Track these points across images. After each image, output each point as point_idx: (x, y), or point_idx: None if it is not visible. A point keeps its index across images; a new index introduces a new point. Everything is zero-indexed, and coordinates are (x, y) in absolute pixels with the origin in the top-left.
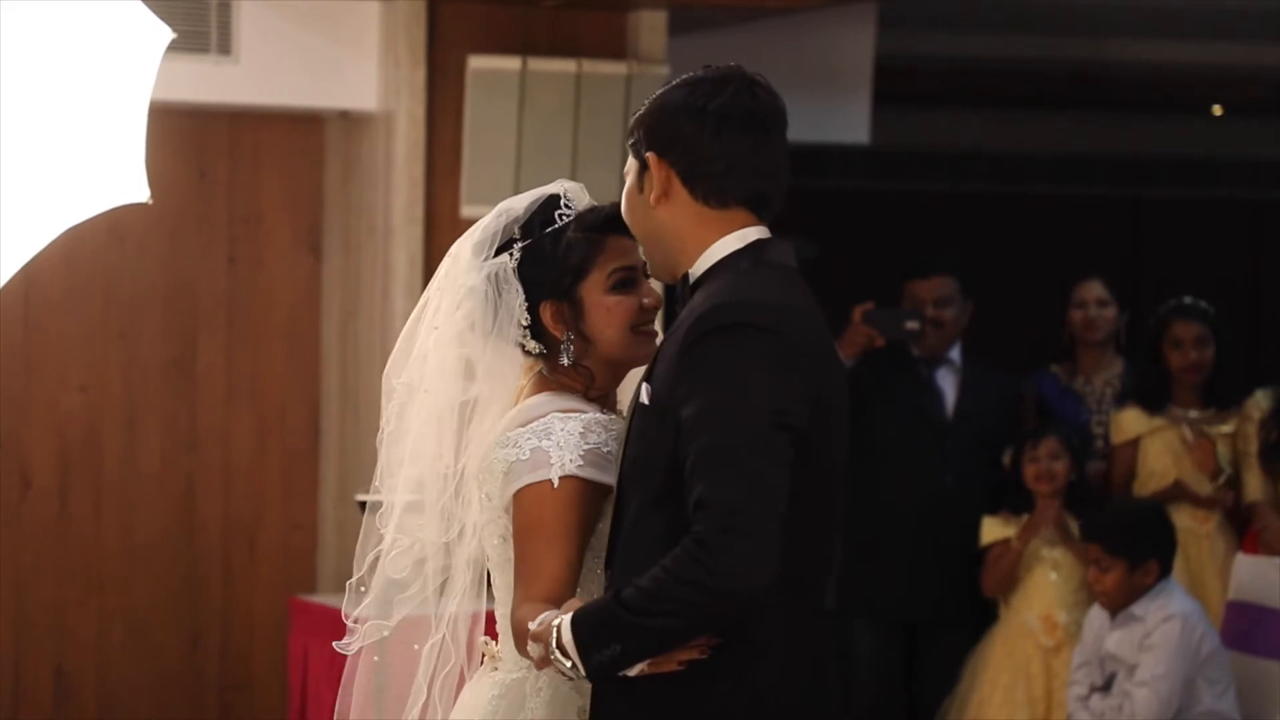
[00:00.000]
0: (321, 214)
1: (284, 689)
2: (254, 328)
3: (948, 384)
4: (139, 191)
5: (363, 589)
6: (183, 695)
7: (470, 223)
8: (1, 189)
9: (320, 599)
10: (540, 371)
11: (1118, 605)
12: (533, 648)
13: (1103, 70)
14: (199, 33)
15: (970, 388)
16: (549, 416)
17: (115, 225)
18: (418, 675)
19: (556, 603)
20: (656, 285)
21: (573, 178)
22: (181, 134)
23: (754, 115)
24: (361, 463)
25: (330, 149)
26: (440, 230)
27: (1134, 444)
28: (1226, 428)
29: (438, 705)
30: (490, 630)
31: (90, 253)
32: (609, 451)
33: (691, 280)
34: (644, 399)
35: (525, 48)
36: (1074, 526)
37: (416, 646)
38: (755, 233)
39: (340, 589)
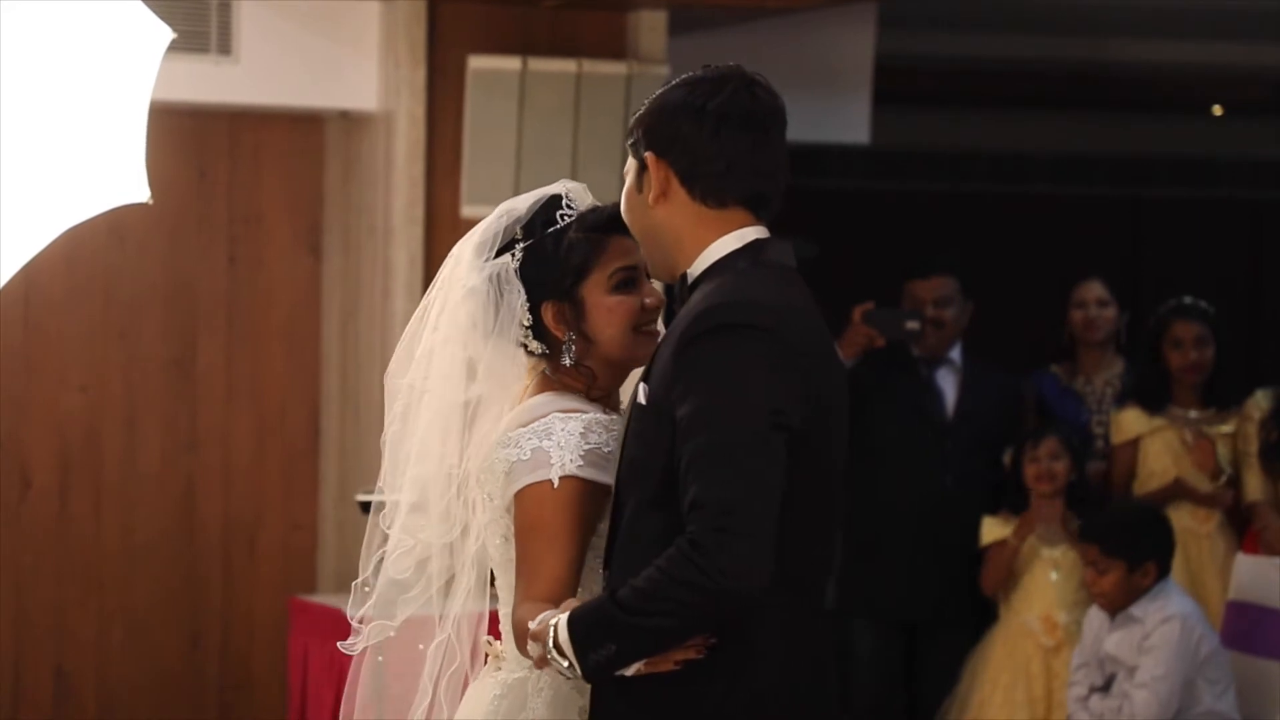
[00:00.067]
0: (321, 214)
1: (284, 689)
2: (254, 328)
3: (948, 384)
4: (139, 191)
5: (367, 589)
6: (183, 695)
7: (470, 223)
8: (2, 189)
9: (320, 599)
10: (543, 371)
11: (1116, 606)
12: (532, 647)
13: (1103, 70)
14: (199, 33)
15: (970, 388)
16: (550, 417)
17: (115, 225)
18: (423, 675)
19: (557, 602)
20: (659, 285)
21: (573, 178)
22: (182, 134)
23: (753, 115)
24: (361, 463)
25: (330, 149)
26: (440, 230)
27: (1134, 444)
28: (1226, 428)
29: (443, 705)
30: (494, 630)
31: (90, 253)
32: (610, 451)
33: (690, 280)
34: (641, 399)
35: (525, 48)
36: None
37: (421, 646)
38: (754, 233)
39: (340, 589)
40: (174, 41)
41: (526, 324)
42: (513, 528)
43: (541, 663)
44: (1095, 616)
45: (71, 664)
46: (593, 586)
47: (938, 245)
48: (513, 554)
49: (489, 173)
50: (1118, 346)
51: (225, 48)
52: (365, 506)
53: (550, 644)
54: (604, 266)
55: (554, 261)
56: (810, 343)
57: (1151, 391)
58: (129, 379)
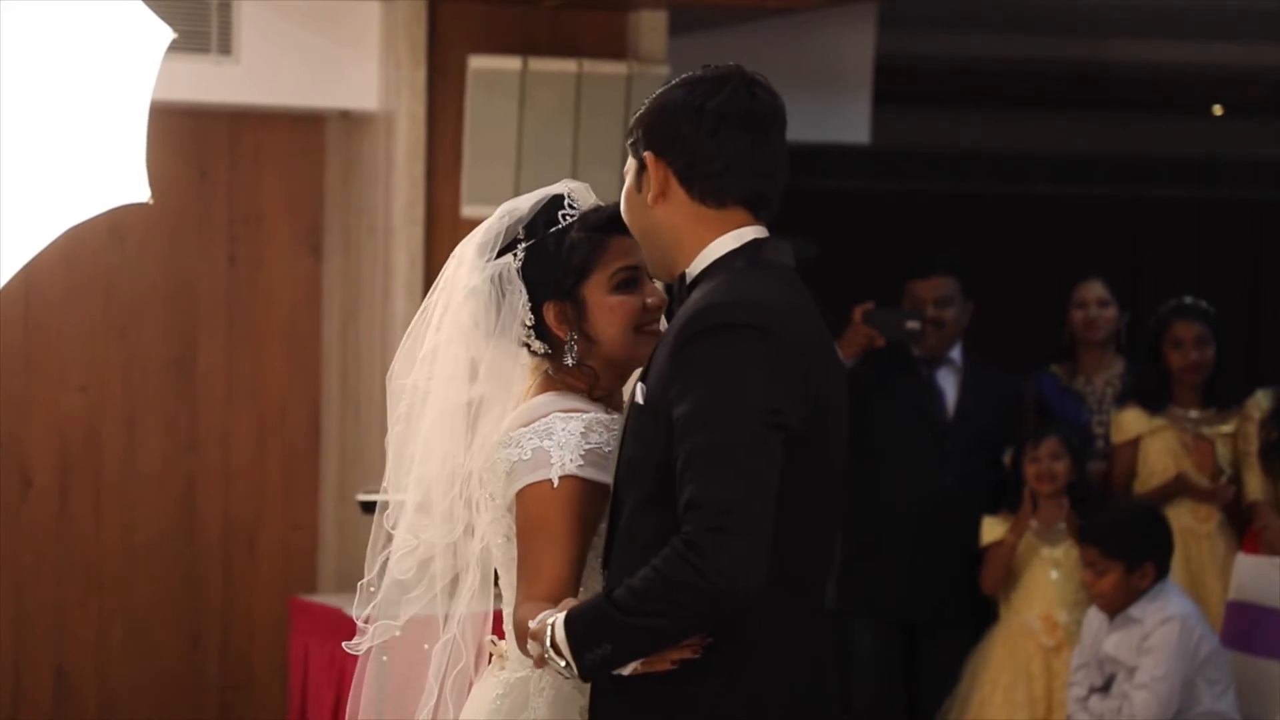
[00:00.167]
0: (322, 214)
1: (284, 689)
2: (254, 328)
3: (948, 384)
4: (139, 191)
5: (372, 589)
6: (183, 695)
7: (470, 223)
8: (2, 189)
9: (321, 599)
10: (546, 371)
11: (1115, 608)
12: (532, 646)
13: (1103, 70)
14: (200, 33)
15: (971, 388)
16: (550, 416)
17: (116, 225)
18: (428, 675)
19: (558, 601)
20: (661, 284)
21: (573, 178)
22: (182, 134)
23: (752, 115)
24: (362, 463)
25: (331, 149)
26: (440, 230)
27: (1134, 444)
28: (1227, 428)
29: (449, 705)
30: (498, 630)
31: (91, 252)
32: (611, 451)
33: (688, 280)
34: (638, 398)
35: (526, 48)
36: None
37: (427, 646)
38: (752, 232)
39: (340, 589)
40: (174, 41)
41: (529, 324)
42: (514, 527)
43: (541, 662)
44: (1094, 617)
45: (71, 664)
46: (594, 586)
47: (938, 245)
48: (515, 553)
49: (489, 173)
50: (1118, 346)
51: (226, 48)
52: (366, 506)
53: (547, 643)
54: (605, 266)
55: (555, 261)
56: (809, 342)
57: (1152, 391)
58: (129, 379)
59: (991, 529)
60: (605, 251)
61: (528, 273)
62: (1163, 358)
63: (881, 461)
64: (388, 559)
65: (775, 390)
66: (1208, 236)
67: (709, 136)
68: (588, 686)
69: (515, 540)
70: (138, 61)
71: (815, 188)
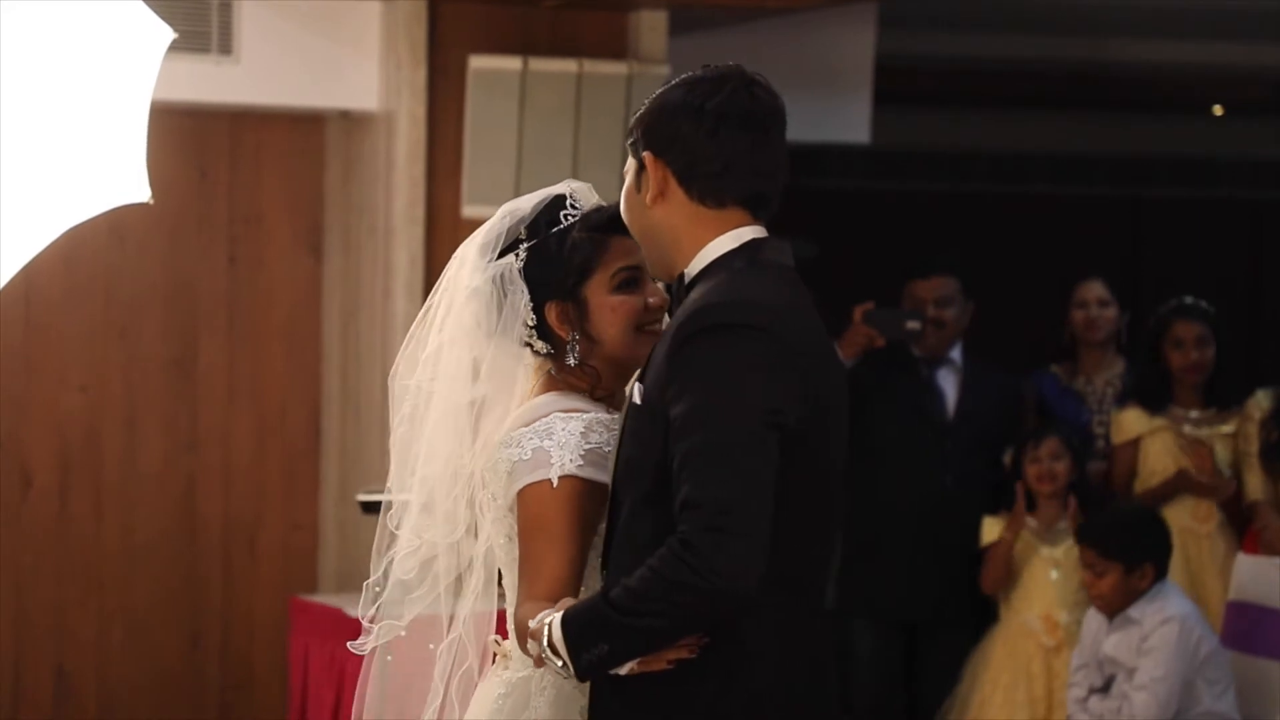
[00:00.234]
0: (322, 214)
1: (284, 689)
2: (254, 328)
3: (949, 384)
4: (140, 191)
5: (378, 589)
6: (183, 695)
7: (471, 223)
8: (2, 189)
9: (321, 599)
10: (548, 371)
11: (1113, 609)
12: (532, 646)
13: (1103, 70)
14: (200, 33)
15: (971, 388)
16: (551, 416)
17: (116, 225)
18: (434, 675)
19: (558, 601)
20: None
21: (574, 178)
22: (182, 134)
23: (752, 115)
24: (362, 462)
25: (331, 149)
26: (441, 230)
27: (1135, 444)
28: (1227, 428)
29: (454, 705)
30: (502, 629)
31: (91, 252)
32: (611, 451)
33: (687, 280)
34: (636, 399)
35: (526, 48)
36: None
37: (432, 646)
38: (751, 232)
39: (341, 589)
40: (175, 41)
41: (531, 324)
42: (515, 527)
43: (540, 662)
44: (1094, 618)
45: (71, 664)
46: (595, 586)
47: (938, 245)
48: (517, 553)
49: (490, 173)
50: (1118, 346)
51: (226, 48)
52: (366, 506)
53: (545, 643)
54: (607, 266)
55: (557, 261)
56: (807, 342)
57: (1152, 391)
58: (129, 379)
59: (992, 529)
60: (607, 251)
61: (529, 273)
62: (1163, 358)
63: (882, 461)
64: (393, 559)
65: (773, 390)
66: (1208, 236)
67: (708, 137)
68: (589, 686)
69: (516, 540)
70: (138, 61)
71: (815, 188)
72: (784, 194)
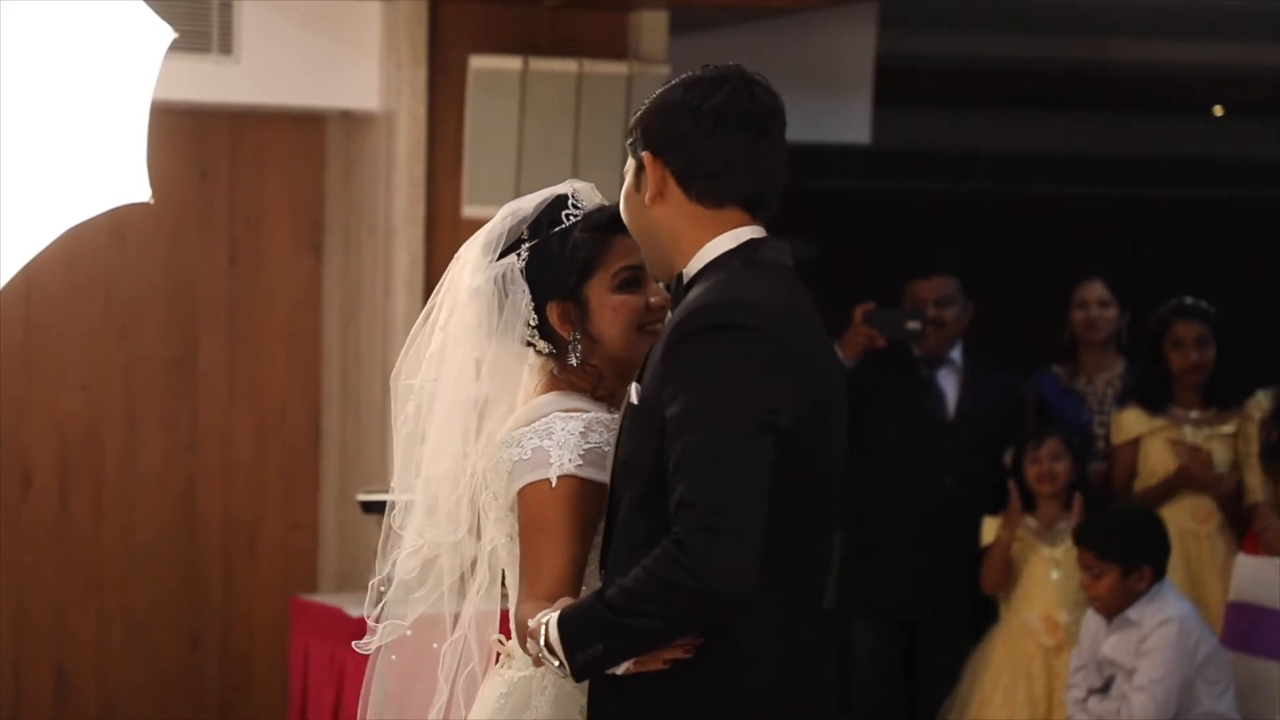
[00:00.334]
0: (322, 214)
1: (284, 689)
2: (255, 327)
3: (949, 384)
4: (140, 191)
5: (383, 589)
6: (183, 695)
7: (471, 223)
8: (2, 188)
9: (321, 599)
10: (551, 371)
11: (1112, 610)
12: (531, 645)
13: (1103, 70)
14: (200, 32)
15: (971, 388)
16: (551, 416)
17: (116, 225)
18: (438, 674)
19: (558, 600)
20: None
21: (574, 178)
22: (183, 133)
23: (751, 115)
24: (362, 462)
25: (331, 149)
26: (441, 230)
27: (1135, 444)
28: (1227, 428)
29: (461, 704)
30: (505, 629)
31: (91, 252)
32: (611, 451)
33: (685, 280)
34: (633, 399)
35: (526, 48)
36: None
37: (436, 645)
38: (749, 232)
39: (341, 589)
40: (175, 41)
41: (532, 324)
42: (516, 526)
43: (539, 661)
44: (1092, 619)
45: (71, 664)
46: (596, 585)
47: (938, 245)
48: (518, 552)
49: (490, 173)
50: (1119, 347)
51: (226, 47)
52: (366, 506)
53: (542, 643)
54: (608, 266)
55: (559, 261)
56: (805, 342)
57: (1152, 392)
58: (129, 379)
59: (991, 529)
60: (608, 251)
61: (531, 273)
62: (1163, 358)
63: (882, 461)
64: (397, 559)
65: (768, 390)
66: (1208, 236)
67: (707, 137)
68: (588, 686)
69: (517, 539)
70: (138, 61)
71: (815, 188)
72: (784, 194)
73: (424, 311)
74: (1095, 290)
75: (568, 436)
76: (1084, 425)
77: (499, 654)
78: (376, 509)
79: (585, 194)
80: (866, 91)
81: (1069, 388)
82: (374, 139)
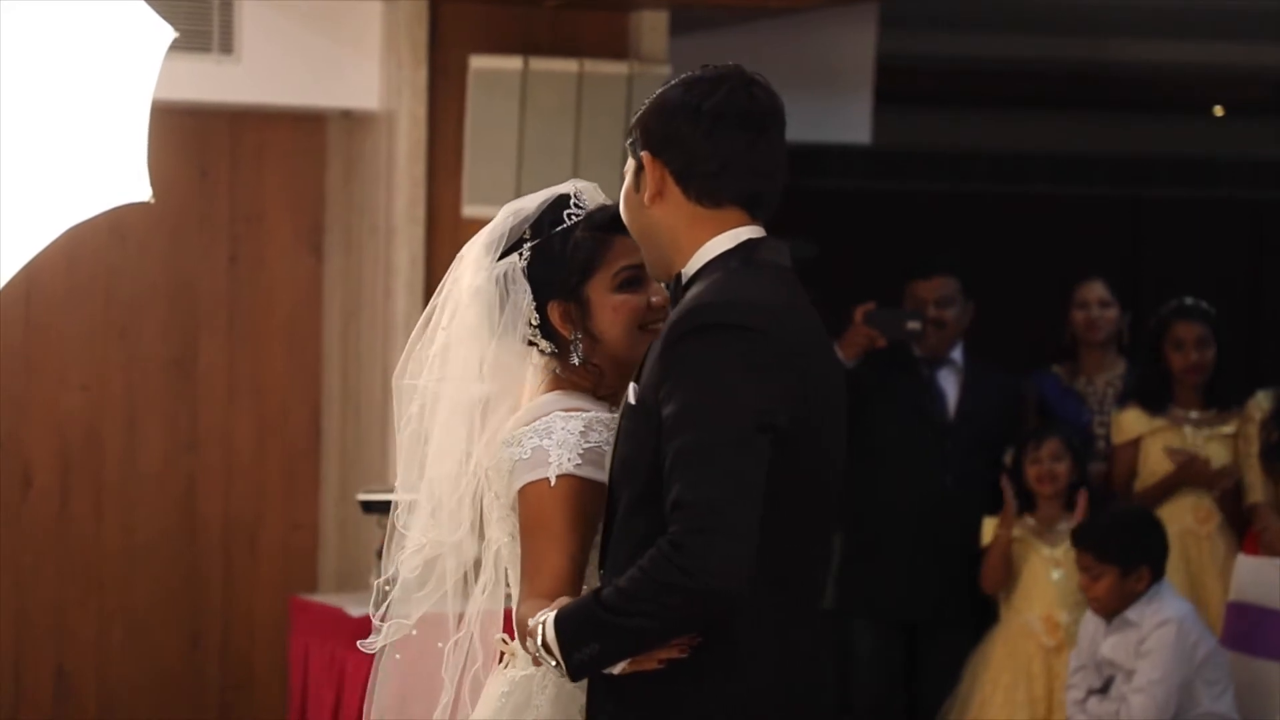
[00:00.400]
0: (323, 213)
1: (284, 689)
2: (255, 327)
3: (950, 384)
4: (141, 190)
5: (388, 588)
6: (183, 695)
7: (471, 222)
8: (3, 188)
9: (321, 598)
10: (554, 370)
11: (1110, 611)
12: (530, 644)
13: (1103, 70)
14: (201, 32)
15: (971, 388)
16: (551, 415)
17: (117, 224)
18: (442, 673)
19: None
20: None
21: (574, 178)
22: (183, 133)
23: (749, 115)
24: (363, 462)
25: (332, 148)
26: (442, 230)
27: (1135, 444)
28: (1227, 429)
29: (467, 704)
30: (510, 628)
31: (91, 252)
32: (610, 450)
33: (684, 280)
34: (631, 398)
35: (527, 47)
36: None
37: (441, 644)
38: (748, 232)
39: (341, 589)
40: (176, 41)
41: (534, 323)
42: (518, 526)
43: (538, 660)
44: (1091, 620)
45: (71, 664)
46: (598, 584)
47: (938, 245)
48: (520, 551)
49: (490, 172)
50: (1119, 347)
51: (227, 47)
52: (366, 506)
53: (539, 642)
54: (609, 265)
55: (560, 261)
56: (805, 342)
57: (1152, 392)
58: (130, 378)
59: (992, 529)
60: (609, 250)
61: (533, 272)
62: (1163, 358)
63: (882, 461)
64: (402, 558)
65: (763, 390)
66: (1208, 236)
67: (705, 136)
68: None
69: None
70: (139, 61)
71: (815, 188)
72: (784, 194)
73: (426, 311)
74: (1096, 290)
75: (567, 436)
76: (1084, 425)
77: (503, 653)
78: (377, 509)
79: (589, 193)
80: (867, 91)
81: (1069, 388)
82: (374, 139)
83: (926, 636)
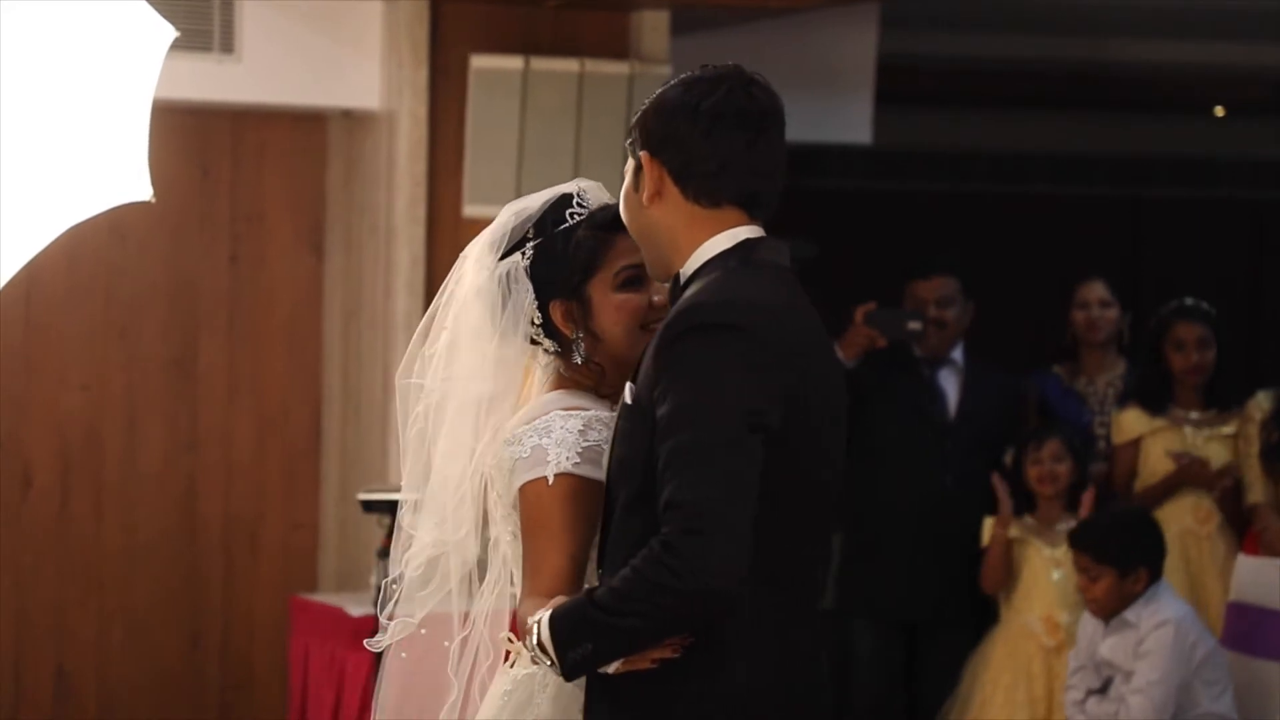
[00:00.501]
0: (324, 213)
1: (284, 689)
2: (255, 327)
3: (950, 384)
4: (141, 190)
5: (395, 587)
6: (183, 695)
7: (472, 222)
8: (3, 187)
9: (321, 598)
10: (557, 369)
11: (1108, 613)
12: (527, 643)
13: (1103, 70)
14: (202, 31)
15: (972, 388)
16: (551, 414)
17: (117, 224)
18: (449, 672)
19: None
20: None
21: (575, 177)
22: (184, 132)
23: (748, 114)
24: (363, 462)
25: (333, 148)
26: (442, 230)
27: (1135, 444)
28: (1227, 429)
29: (476, 701)
30: (515, 627)
31: (92, 251)
32: (608, 449)
33: (683, 279)
34: (627, 398)
35: (527, 47)
36: None
37: (447, 643)
38: (746, 232)
39: (341, 589)
40: (177, 40)
41: (536, 322)
42: (519, 524)
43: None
44: (1090, 620)
45: (71, 664)
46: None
47: (938, 245)
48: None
49: (491, 172)
50: (1120, 347)
51: (228, 46)
52: (367, 506)
53: (535, 641)
54: (610, 264)
55: (562, 260)
56: (804, 342)
57: (1153, 392)
58: (130, 378)
59: (992, 529)
60: (611, 249)
61: (535, 271)
62: (1164, 359)
63: (882, 461)
64: (408, 557)
65: (758, 391)
66: (1208, 236)
67: (704, 136)
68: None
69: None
70: (140, 60)
71: (815, 188)
72: (784, 194)
73: (429, 310)
74: (1096, 290)
75: (566, 435)
76: (1085, 426)
77: (508, 652)
78: (377, 508)
79: (592, 193)
80: (867, 91)
81: (1070, 388)
82: (375, 138)
83: (926, 636)
